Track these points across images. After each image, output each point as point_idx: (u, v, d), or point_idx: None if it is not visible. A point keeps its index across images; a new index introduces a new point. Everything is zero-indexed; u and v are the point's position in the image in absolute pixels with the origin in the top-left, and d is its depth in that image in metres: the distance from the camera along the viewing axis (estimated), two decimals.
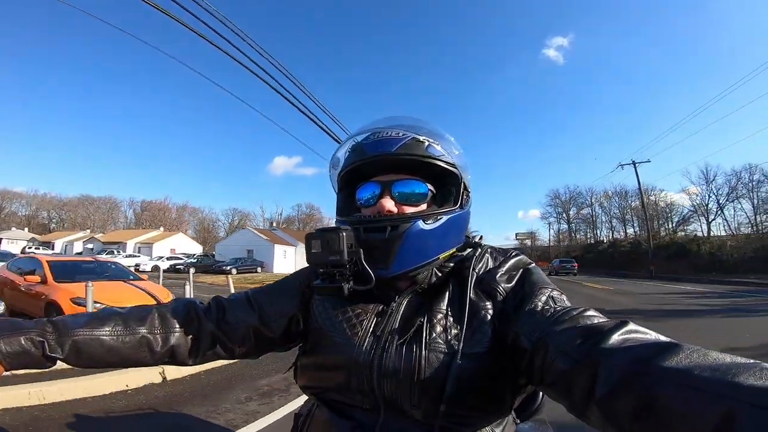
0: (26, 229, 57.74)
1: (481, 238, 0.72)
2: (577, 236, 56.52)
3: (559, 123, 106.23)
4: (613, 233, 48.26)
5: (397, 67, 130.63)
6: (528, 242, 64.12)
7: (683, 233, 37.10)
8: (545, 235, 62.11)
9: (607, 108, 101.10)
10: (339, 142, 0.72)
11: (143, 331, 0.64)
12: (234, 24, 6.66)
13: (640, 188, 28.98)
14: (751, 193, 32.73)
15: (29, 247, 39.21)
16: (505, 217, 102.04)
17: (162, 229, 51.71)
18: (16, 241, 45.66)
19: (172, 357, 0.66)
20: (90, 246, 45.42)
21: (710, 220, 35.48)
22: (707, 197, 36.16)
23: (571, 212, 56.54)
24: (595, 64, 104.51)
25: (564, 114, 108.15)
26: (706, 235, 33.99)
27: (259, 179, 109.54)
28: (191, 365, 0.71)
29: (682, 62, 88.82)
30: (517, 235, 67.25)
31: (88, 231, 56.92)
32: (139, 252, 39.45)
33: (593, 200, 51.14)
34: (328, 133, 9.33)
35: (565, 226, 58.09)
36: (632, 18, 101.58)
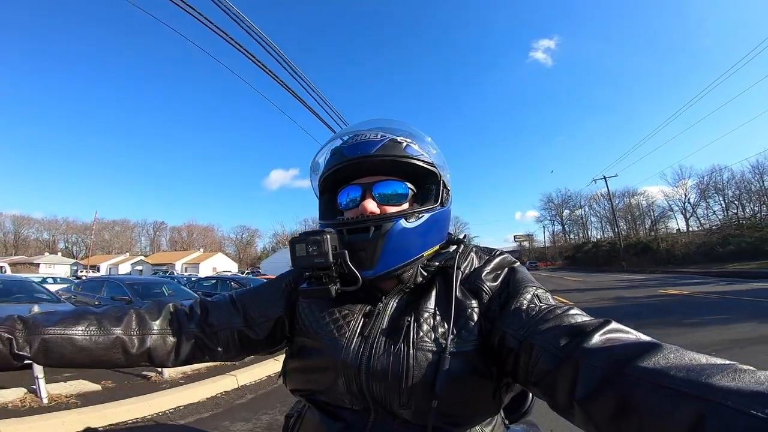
0: (59, 253, 62.24)
1: (465, 236, 0.71)
2: (571, 237, 61.96)
3: (551, 123, 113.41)
4: (603, 233, 53.83)
5: (391, 68, 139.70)
6: (526, 244, 69.62)
7: (664, 230, 42.72)
8: (542, 237, 67.48)
9: (595, 107, 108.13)
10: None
11: (118, 331, 0.63)
12: (242, 16, 6.62)
13: (610, 200, 35.17)
14: (718, 194, 38.31)
15: (80, 271, 44.43)
16: (503, 219, 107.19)
17: (202, 250, 57.65)
18: (53, 266, 50.09)
19: (149, 359, 0.66)
20: (139, 268, 51.10)
21: (688, 217, 41.11)
22: (684, 196, 41.92)
23: (564, 214, 62.21)
24: (583, 64, 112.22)
25: (554, 114, 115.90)
26: (684, 230, 39.49)
27: (256, 194, 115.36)
28: (170, 367, 0.70)
29: (665, 63, 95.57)
30: (515, 237, 72.70)
31: (127, 254, 62.43)
32: (186, 271, 45.13)
33: (582, 203, 56.92)
34: (328, 126, 9.42)
35: (560, 227, 63.76)
36: (615, 20, 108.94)
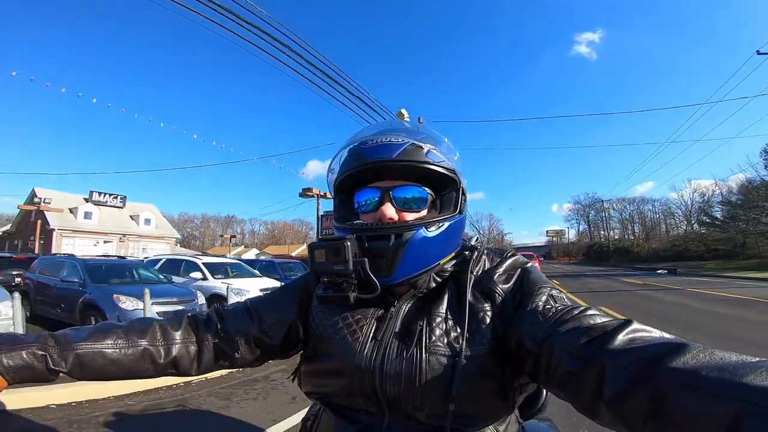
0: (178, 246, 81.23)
1: (477, 239, 0.73)
2: (594, 234, 72.48)
3: (593, 117, 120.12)
4: (626, 233, 64.39)
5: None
6: (555, 239, 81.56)
7: (676, 232, 52.28)
8: (572, 233, 77.06)
9: (639, 100, 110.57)
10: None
11: (145, 343, 0.65)
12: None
13: (606, 224, 49.08)
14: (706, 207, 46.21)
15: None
16: (540, 211, 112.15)
17: (305, 245, 76.20)
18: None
19: (175, 368, 0.68)
20: (263, 257, 70.00)
21: (692, 222, 49.75)
22: (690, 204, 49.99)
23: (591, 215, 73.05)
24: (628, 58, 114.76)
25: (597, 107, 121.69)
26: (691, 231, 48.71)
27: (296, 184, 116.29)
28: (193, 375, 0.72)
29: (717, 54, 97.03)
30: (548, 231, 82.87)
31: (242, 246, 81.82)
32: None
33: (604, 207, 68.17)
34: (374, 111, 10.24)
35: (585, 226, 74.75)
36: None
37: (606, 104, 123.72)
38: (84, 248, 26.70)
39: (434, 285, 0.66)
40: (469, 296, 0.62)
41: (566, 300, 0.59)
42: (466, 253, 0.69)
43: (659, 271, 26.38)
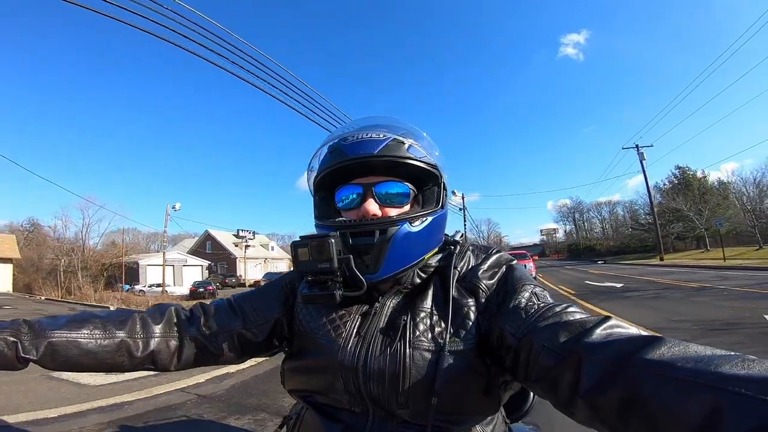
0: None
1: (461, 235, 0.74)
2: (579, 234, 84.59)
3: (577, 116, 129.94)
4: (604, 232, 79.15)
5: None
6: (548, 238, 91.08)
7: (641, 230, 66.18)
8: (561, 233, 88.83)
9: (625, 99, 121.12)
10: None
11: (122, 335, 0.63)
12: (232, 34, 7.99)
13: (584, 225, 66.67)
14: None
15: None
16: (535, 209, 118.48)
17: None
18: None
19: (152, 363, 0.66)
20: None
21: (659, 223, 64.61)
22: (651, 205, 59.76)
23: (576, 216, 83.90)
24: (614, 58, 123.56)
25: (586, 107, 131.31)
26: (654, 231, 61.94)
27: (292, 193, 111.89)
28: (173, 371, 0.70)
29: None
30: (541, 230, 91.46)
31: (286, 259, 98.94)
32: None
33: (584, 210, 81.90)
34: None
35: (572, 226, 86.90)
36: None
37: (595, 98, 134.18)
38: (251, 269, 44.62)
39: (419, 281, 0.66)
40: (453, 291, 0.62)
41: (549, 298, 0.59)
42: (450, 247, 0.70)
43: (599, 262, 41.21)
